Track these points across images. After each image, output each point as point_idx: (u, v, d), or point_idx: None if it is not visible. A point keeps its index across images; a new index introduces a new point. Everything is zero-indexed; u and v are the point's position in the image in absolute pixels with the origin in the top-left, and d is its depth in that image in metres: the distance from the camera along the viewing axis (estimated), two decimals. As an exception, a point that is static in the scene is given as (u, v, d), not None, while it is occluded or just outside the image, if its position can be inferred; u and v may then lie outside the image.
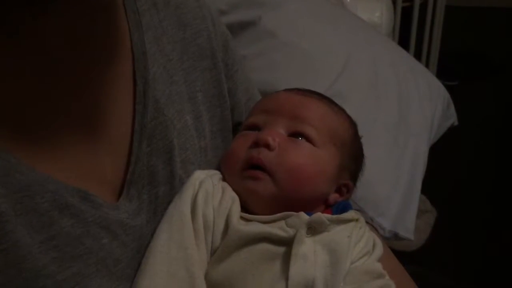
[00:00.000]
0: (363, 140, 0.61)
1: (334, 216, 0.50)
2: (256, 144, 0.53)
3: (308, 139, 0.53)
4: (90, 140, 0.45)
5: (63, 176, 0.42)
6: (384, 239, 1.04)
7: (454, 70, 2.44)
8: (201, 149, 0.56)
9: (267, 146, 0.52)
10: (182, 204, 0.49)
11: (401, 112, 1.16)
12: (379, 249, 0.53)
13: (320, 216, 0.49)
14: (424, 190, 1.18)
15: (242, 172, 0.52)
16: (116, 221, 0.45)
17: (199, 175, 0.51)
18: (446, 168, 1.85)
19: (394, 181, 1.09)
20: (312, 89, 0.60)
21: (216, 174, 0.53)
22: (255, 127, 0.56)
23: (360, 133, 0.61)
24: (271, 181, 0.51)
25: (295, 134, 0.54)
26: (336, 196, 0.55)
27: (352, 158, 0.58)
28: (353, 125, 0.60)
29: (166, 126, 0.51)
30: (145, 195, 0.49)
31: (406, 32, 2.11)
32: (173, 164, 0.51)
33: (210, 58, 0.59)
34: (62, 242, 0.40)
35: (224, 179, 0.53)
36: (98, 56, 0.46)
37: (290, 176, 0.51)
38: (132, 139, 0.48)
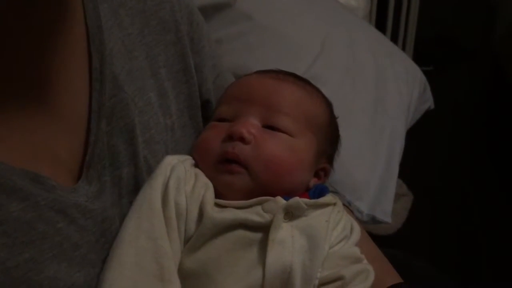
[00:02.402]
0: (340, 124, 0.60)
1: (312, 201, 0.49)
2: (230, 137, 0.50)
3: (284, 130, 0.52)
4: (42, 119, 0.43)
5: (11, 157, 0.40)
6: (362, 222, 1.04)
7: (429, 55, 2.45)
8: (167, 128, 0.53)
9: (242, 140, 0.50)
10: (152, 192, 0.46)
11: (378, 95, 1.16)
12: (357, 233, 0.52)
13: (298, 200, 0.47)
14: (401, 174, 1.18)
15: (217, 166, 0.50)
16: (73, 205, 0.42)
17: (170, 160, 0.49)
18: (422, 152, 1.86)
19: (372, 164, 1.09)
20: (289, 72, 0.59)
21: (188, 160, 0.51)
22: (227, 117, 0.54)
23: (338, 115, 0.60)
24: (248, 174, 0.49)
25: (270, 125, 0.52)
26: (314, 181, 0.55)
27: (329, 141, 0.57)
28: (328, 106, 0.58)
29: (126, 104, 0.48)
30: (107, 177, 0.47)
31: (383, 17, 2.10)
32: (136, 144, 0.49)
33: (173, 31, 0.56)
34: (11, 227, 0.38)
35: (196, 165, 0.52)
36: (48, 29, 0.43)
37: (267, 169, 0.50)
38: (90, 118, 0.46)
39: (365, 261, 0.50)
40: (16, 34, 0.41)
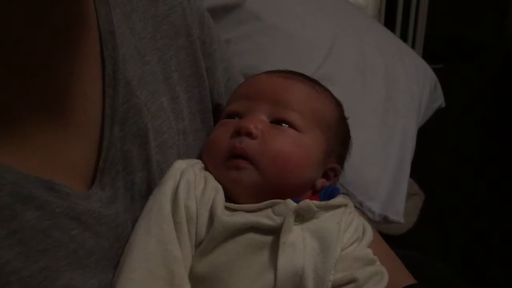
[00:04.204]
0: (351, 123, 0.60)
1: (323, 203, 0.49)
2: (238, 133, 0.50)
3: (292, 125, 0.51)
4: (55, 126, 0.43)
5: (25, 166, 0.40)
6: (374, 223, 1.03)
7: (439, 53, 2.43)
8: (179, 132, 0.53)
9: (249, 135, 0.50)
10: (161, 197, 0.46)
11: (389, 94, 1.15)
12: (369, 234, 0.52)
13: (308, 203, 0.47)
14: (412, 173, 1.17)
15: (225, 162, 0.50)
16: (88, 211, 0.42)
17: (180, 165, 0.49)
18: (433, 151, 1.85)
19: (383, 164, 1.09)
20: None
21: (198, 163, 0.51)
22: (236, 114, 0.54)
23: (348, 115, 0.60)
24: (255, 170, 0.49)
25: (278, 121, 0.52)
26: (323, 181, 0.54)
27: (339, 140, 0.56)
28: (338, 106, 0.58)
29: (139, 109, 0.49)
30: (120, 182, 0.47)
31: (392, 15, 2.09)
32: (149, 148, 0.49)
33: (185, 35, 0.56)
34: (27, 236, 0.38)
35: (206, 169, 0.51)
36: (61, 36, 0.43)
37: (274, 164, 0.49)
38: (103, 123, 0.46)
39: (378, 262, 0.49)
40: (29, 41, 0.41)
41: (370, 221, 1.02)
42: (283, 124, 0.51)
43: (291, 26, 1.13)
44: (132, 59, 0.49)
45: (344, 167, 0.59)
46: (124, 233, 0.46)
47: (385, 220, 1.07)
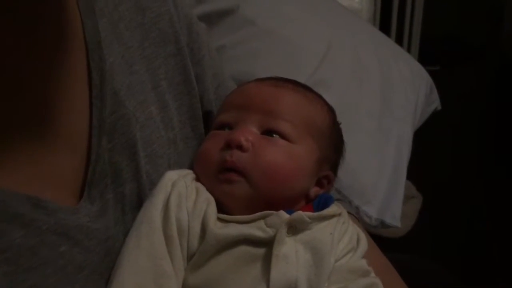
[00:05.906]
0: (346, 127, 0.59)
1: (316, 214, 0.48)
2: (229, 146, 0.50)
3: (283, 136, 0.51)
4: (42, 139, 0.42)
5: (12, 182, 0.39)
6: (371, 227, 1.03)
7: (435, 55, 2.44)
8: (169, 141, 0.53)
9: (240, 148, 0.49)
10: (151, 209, 0.46)
11: (385, 97, 1.15)
12: (364, 244, 0.51)
13: (301, 214, 0.46)
14: (409, 176, 1.17)
15: (217, 176, 0.50)
16: (76, 226, 0.42)
17: (171, 176, 0.49)
18: (430, 154, 1.85)
19: (379, 168, 1.08)
20: (294, 77, 0.58)
21: (189, 174, 0.51)
22: (226, 125, 0.53)
23: (344, 120, 0.59)
24: (246, 183, 0.49)
25: (268, 132, 0.51)
26: (316, 190, 0.53)
27: (332, 147, 0.55)
28: (331, 112, 0.57)
29: (128, 119, 0.48)
30: (110, 194, 0.46)
31: (387, 18, 2.09)
32: (138, 159, 0.48)
33: (173, 43, 0.55)
34: (14, 254, 0.37)
35: (197, 179, 0.51)
36: (47, 47, 0.43)
37: (266, 177, 0.49)
38: (90, 135, 0.45)
39: (373, 274, 0.49)
40: (16, 53, 0.40)
41: (367, 225, 1.02)
42: (274, 135, 0.51)
43: (286, 31, 1.12)
44: (119, 69, 0.49)
45: (341, 172, 0.58)
46: (116, 246, 0.45)
47: (382, 224, 1.07)
